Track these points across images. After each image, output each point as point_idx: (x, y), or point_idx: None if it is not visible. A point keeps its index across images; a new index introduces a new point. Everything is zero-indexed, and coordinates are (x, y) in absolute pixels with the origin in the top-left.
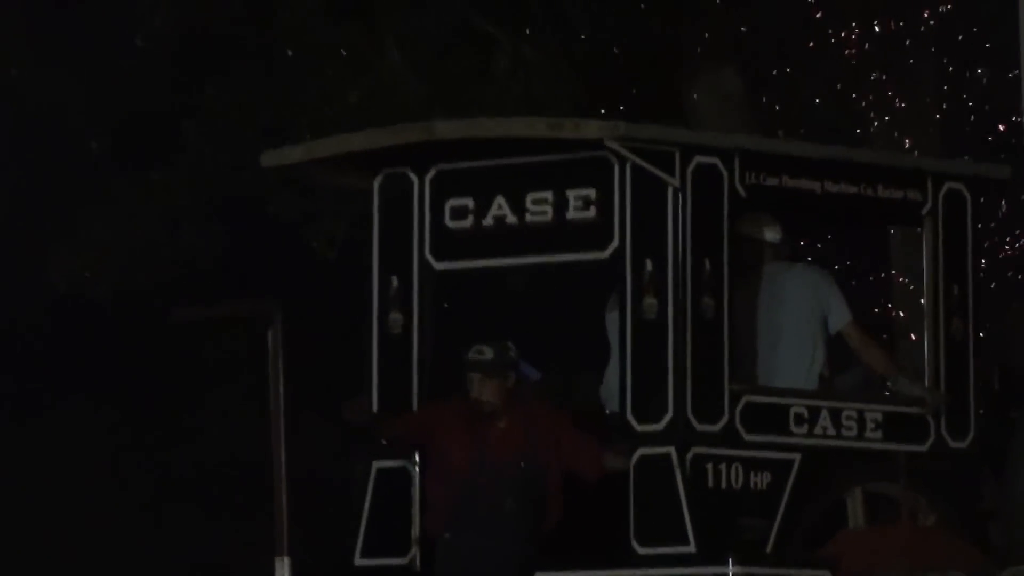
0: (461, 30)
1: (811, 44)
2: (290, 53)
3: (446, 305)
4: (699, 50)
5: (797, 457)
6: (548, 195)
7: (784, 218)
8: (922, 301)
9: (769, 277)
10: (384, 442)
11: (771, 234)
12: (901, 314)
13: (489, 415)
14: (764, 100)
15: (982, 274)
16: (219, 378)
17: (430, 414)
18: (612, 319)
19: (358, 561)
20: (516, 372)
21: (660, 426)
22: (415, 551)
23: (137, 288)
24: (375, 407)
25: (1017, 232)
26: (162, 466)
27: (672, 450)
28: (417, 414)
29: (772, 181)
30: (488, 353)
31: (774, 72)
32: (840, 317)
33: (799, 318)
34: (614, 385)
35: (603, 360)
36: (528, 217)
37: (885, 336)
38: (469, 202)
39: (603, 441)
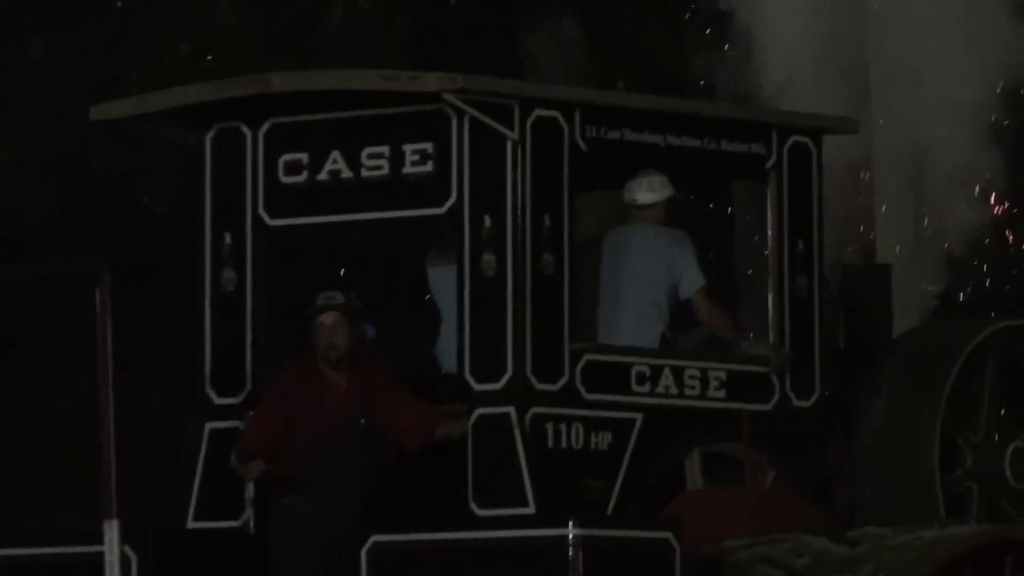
0: None
1: None
2: (119, 4)
3: (282, 262)
4: None
5: (639, 417)
6: (384, 149)
7: (625, 172)
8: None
9: (617, 238)
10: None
11: (643, 195)
12: (748, 272)
13: (334, 369)
14: (606, 50)
15: None
16: (44, 337)
17: (276, 407)
18: (439, 273)
19: (190, 524)
20: (361, 325)
21: (499, 385)
22: (249, 513)
23: None
24: (207, 367)
25: None
26: None
27: (511, 410)
28: (268, 419)
29: (614, 135)
30: (339, 297)
31: (614, 20)
32: (690, 284)
33: (644, 279)
34: (450, 344)
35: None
36: (364, 172)
37: (732, 295)
38: (304, 157)
39: (440, 402)
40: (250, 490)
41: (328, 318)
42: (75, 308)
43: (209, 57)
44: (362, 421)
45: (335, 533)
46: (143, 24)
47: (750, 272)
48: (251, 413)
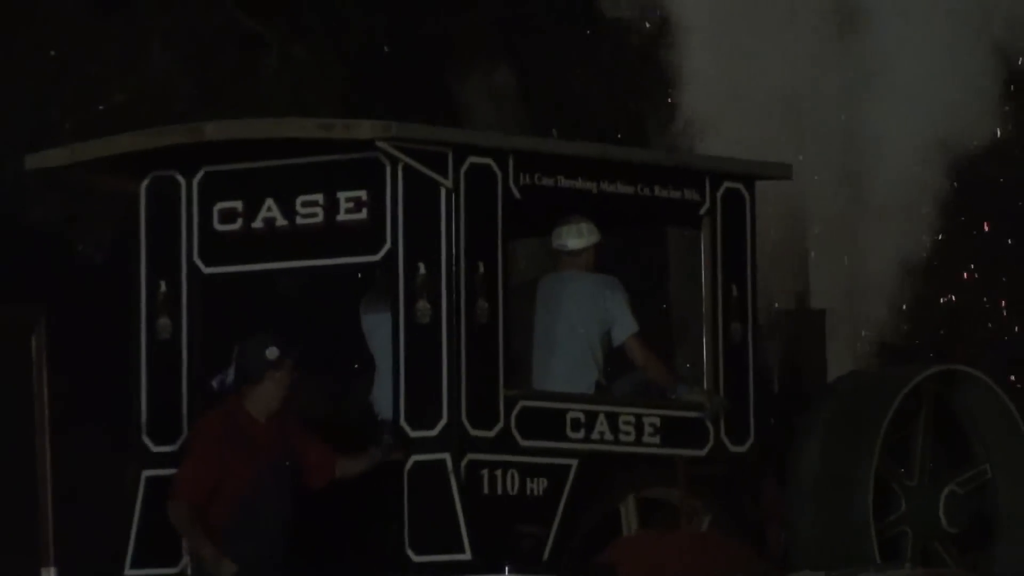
0: (228, 29)
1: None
2: (53, 53)
3: (217, 309)
4: (471, 48)
5: (574, 463)
6: (319, 197)
7: (560, 218)
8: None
9: (550, 285)
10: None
11: (572, 240)
12: (683, 317)
13: (262, 416)
14: (539, 98)
15: None
16: None
17: (210, 453)
18: (373, 321)
19: (127, 572)
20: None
21: (434, 432)
22: (186, 560)
23: None
24: (143, 415)
25: None
26: None
27: (447, 456)
28: (204, 466)
29: (547, 182)
30: (276, 352)
31: (549, 69)
32: (623, 330)
33: (577, 327)
34: (385, 391)
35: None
36: (298, 219)
37: (668, 341)
38: (238, 204)
39: (376, 446)
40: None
41: (282, 376)
42: (10, 355)
43: (144, 106)
44: (287, 463)
45: None
46: (77, 72)
47: (684, 318)
48: (185, 461)
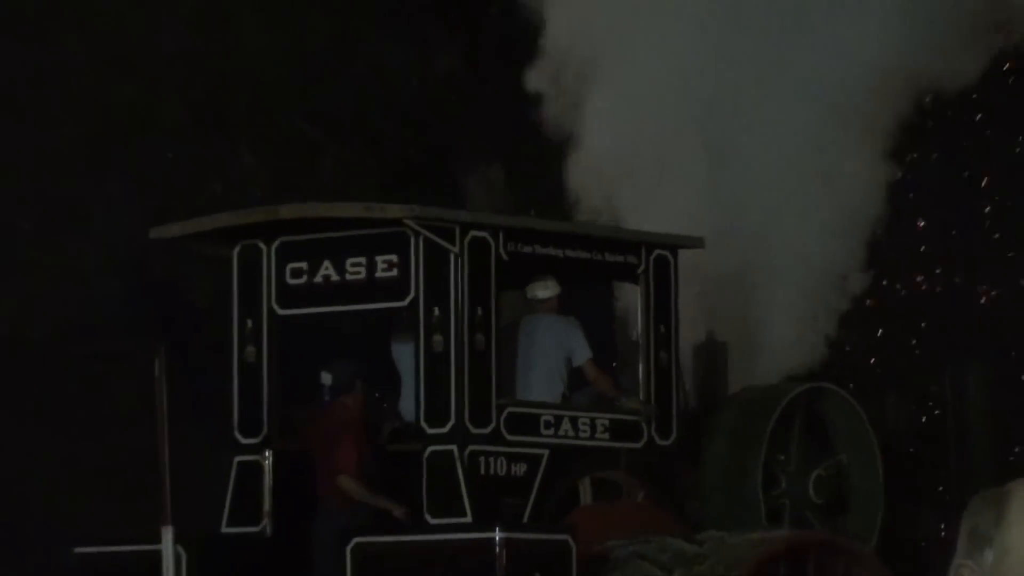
0: (296, 137)
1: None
2: (169, 155)
3: (288, 340)
4: (471, 152)
5: (546, 452)
6: (362, 259)
7: (540, 277)
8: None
9: (528, 324)
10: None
11: (541, 292)
12: (624, 348)
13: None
14: (521, 188)
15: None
16: (118, 395)
17: (357, 437)
18: (399, 349)
19: (224, 529)
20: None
21: (445, 430)
22: (266, 522)
23: (54, 330)
24: (235, 416)
25: None
26: (75, 460)
27: (454, 448)
28: (353, 446)
29: (527, 249)
30: (328, 378)
31: (530, 166)
32: (580, 356)
33: (547, 354)
34: (409, 400)
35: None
36: (347, 275)
37: (614, 364)
38: (304, 265)
39: (403, 442)
40: (266, 504)
41: (359, 392)
42: (142, 376)
43: (234, 194)
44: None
45: (336, 540)
46: (186, 168)
47: (626, 348)
48: (342, 445)
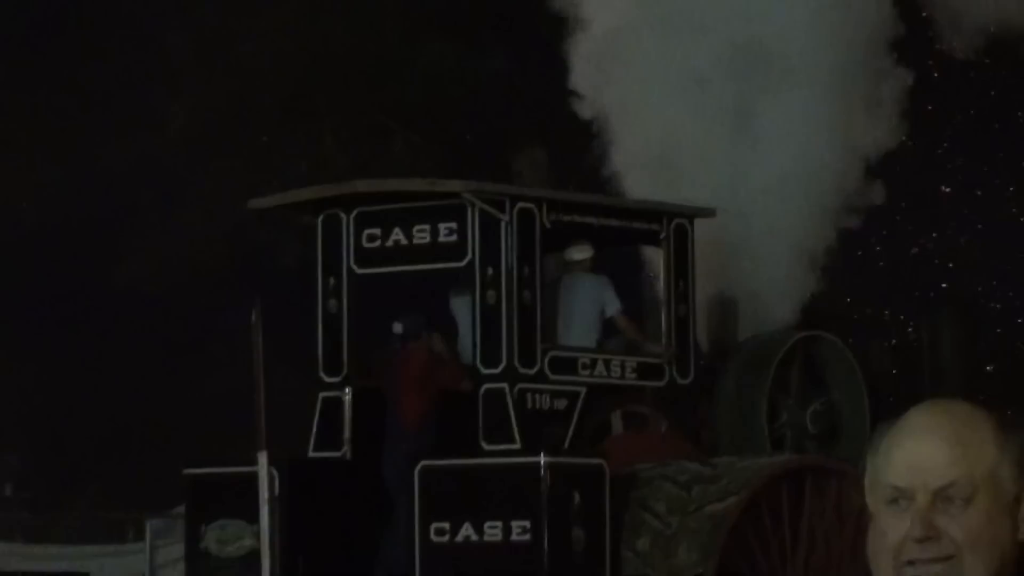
0: (372, 123)
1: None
2: (264, 138)
3: (365, 295)
4: (520, 135)
5: (583, 389)
6: (427, 226)
7: (577, 242)
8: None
9: (567, 281)
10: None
11: (577, 254)
12: (650, 301)
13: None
14: (565, 167)
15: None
16: (222, 341)
17: (383, 365)
18: (457, 303)
19: (310, 454)
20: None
21: (498, 370)
22: (346, 448)
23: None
24: (320, 359)
25: None
26: (187, 394)
27: (505, 385)
28: (375, 369)
29: (566, 218)
30: (399, 328)
31: (568, 148)
32: (612, 308)
33: (583, 306)
34: (466, 345)
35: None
36: (414, 240)
37: (640, 315)
38: (378, 231)
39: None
40: (346, 433)
41: (438, 336)
42: (241, 324)
43: (320, 171)
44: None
45: (407, 462)
46: (281, 152)
47: (651, 300)
48: (450, 376)
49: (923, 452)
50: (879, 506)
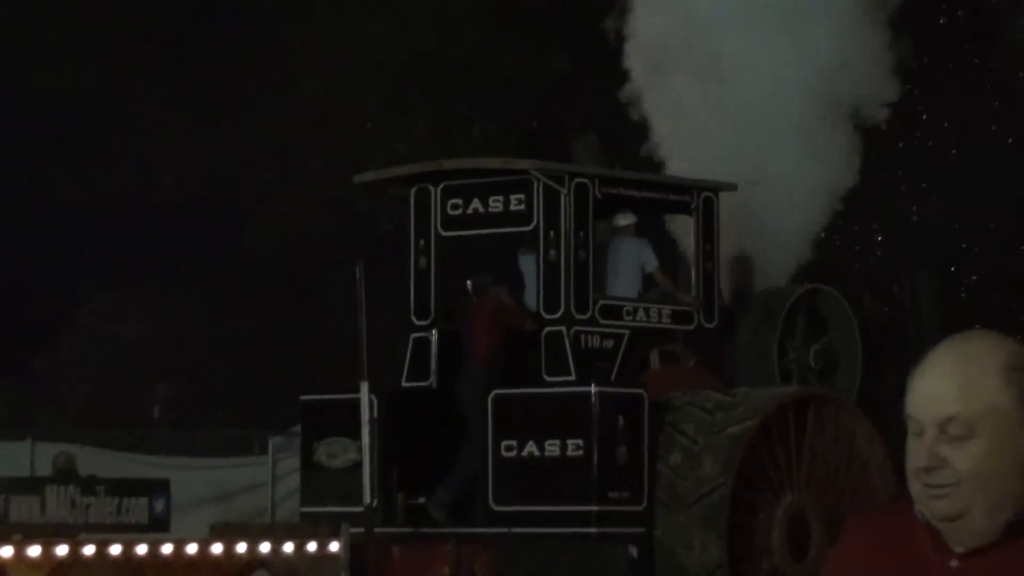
0: (453, 114)
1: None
2: (369, 125)
3: (450, 254)
4: (575, 124)
5: (627, 332)
6: (500, 197)
7: (622, 211)
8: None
9: (614, 243)
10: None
11: (622, 221)
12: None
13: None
14: (612, 150)
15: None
16: (333, 291)
17: (461, 311)
18: (524, 260)
19: (403, 384)
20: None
21: (557, 316)
22: (432, 379)
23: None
24: (412, 306)
25: None
26: (303, 336)
27: (563, 328)
28: (455, 315)
29: (614, 191)
30: (471, 285)
31: (613, 134)
32: (650, 265)
33: (627, 263)
34: (533, 295)
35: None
36: (490, 209)
37: (672, 271)
38: (460, 201)
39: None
40: (433, 366)
41: (505, 288)
42: (347, 277)
43: (413, 152)
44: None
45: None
46: (381, 137)
47: (683, 259)
48: (517, 312)
49: (927, 387)
50: (909, 432)
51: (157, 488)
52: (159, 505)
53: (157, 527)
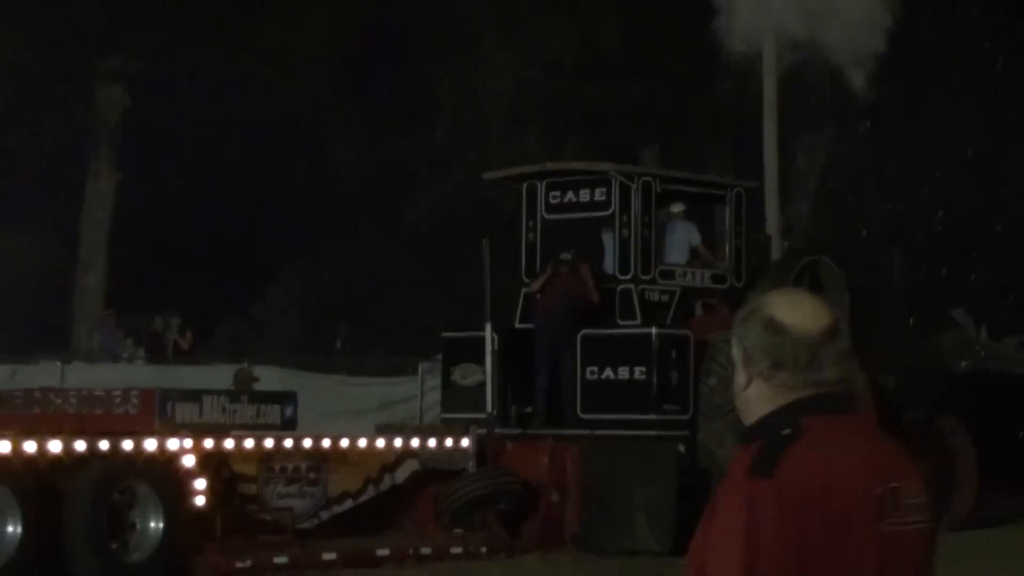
0: (556, 128)
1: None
2: (497, 137)
3: (551, 233)
4: (642, 137)
5: (679, 289)
6: (588, 190)
7: (675, 201)
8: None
9: (670, 225)
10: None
11: (676, 208)
12: (719, 237)
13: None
14: (669, 156)
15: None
16: (464, 260)
17: (555, 276)
18: (605, 237)
19: (516, 325)
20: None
21: (628, 277)
22: (536, 320)
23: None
24: (523, 269)
25: None
26: (443, 292)
27: (632, 286)
28: (541, 281)
29: (671, 187)
30: (567, 256)
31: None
32: (696, 240)
33: (679, 239)
34: (611, 262)
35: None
36: (580, 199)
37: (712, 247)
38: (559, 192)
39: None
40: (537, 312)
41: (585, 264)
42: (475, 249)
43: (522, 157)
44: (569, 291)
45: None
46: (501, 145)
47: (719, 238)
48: (588, 286)
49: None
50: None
51: (286, 398)
52: (288, 411)
53: (287, 427)
